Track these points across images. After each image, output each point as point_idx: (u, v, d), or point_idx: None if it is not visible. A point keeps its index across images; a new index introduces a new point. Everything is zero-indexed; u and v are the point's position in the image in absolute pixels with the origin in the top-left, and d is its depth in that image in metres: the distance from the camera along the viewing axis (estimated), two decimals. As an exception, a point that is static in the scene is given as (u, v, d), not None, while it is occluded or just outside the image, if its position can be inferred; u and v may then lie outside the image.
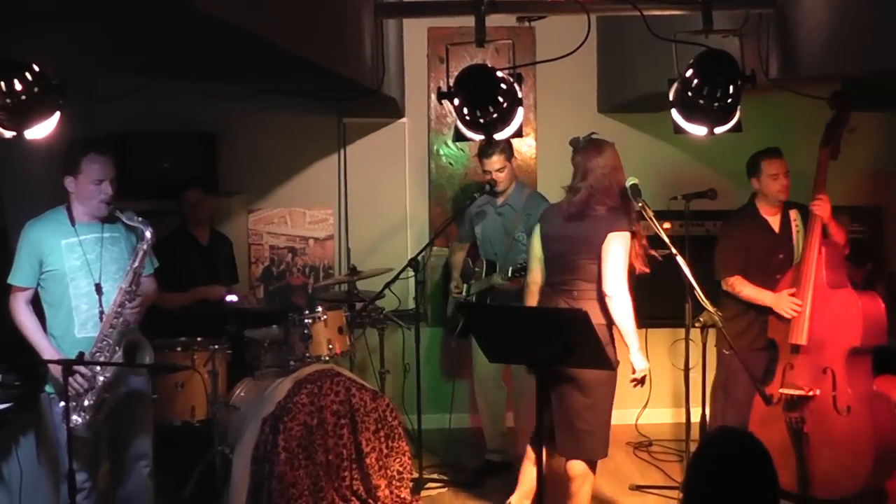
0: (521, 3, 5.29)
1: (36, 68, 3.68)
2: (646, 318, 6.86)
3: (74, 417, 4.33)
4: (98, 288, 4.47)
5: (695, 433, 5.58)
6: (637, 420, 6.82)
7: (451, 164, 7.25)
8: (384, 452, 5.43)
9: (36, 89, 3.70)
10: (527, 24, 5.83)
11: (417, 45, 7.11)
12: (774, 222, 5.62)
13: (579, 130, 7.07)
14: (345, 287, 6.40)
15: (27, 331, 4.45)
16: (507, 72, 4.55)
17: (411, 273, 6.02)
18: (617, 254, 4.61)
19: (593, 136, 4.90)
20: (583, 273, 4.69)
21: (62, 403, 4.21)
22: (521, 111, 4.56)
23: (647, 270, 4.74)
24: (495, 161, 5.99)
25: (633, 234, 4.68)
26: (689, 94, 4.43)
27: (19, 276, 4.47)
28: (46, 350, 4.41)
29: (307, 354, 5.59)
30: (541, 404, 4.55)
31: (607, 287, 4.60)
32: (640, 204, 4.73)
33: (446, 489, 5.98)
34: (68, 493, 4.07)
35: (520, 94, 4.52)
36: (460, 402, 7.06)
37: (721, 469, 2.72)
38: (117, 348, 4.39)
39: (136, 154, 6.60)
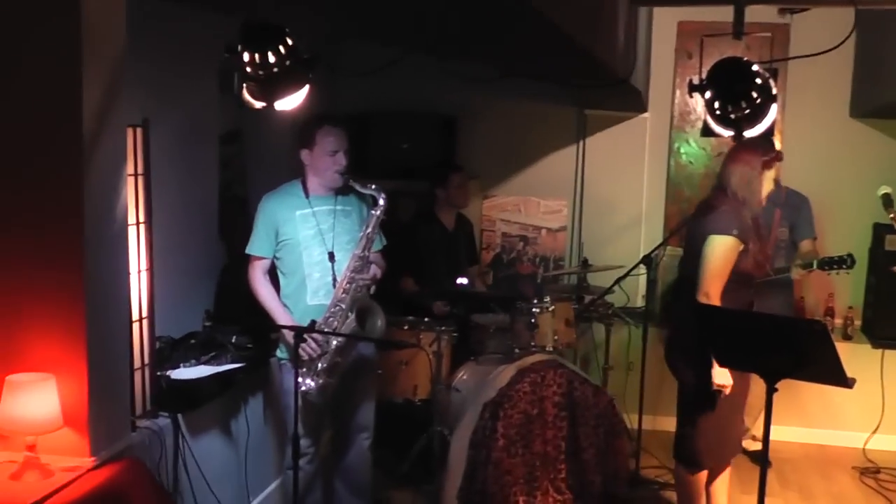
0: (786, -7, 5.07)
1: (289, 42, 3.78)
2: (882, 338, 6.56)
3: (308, 381, 4.46)
4: (331, 256, 4.57)
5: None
6: (865, 445, 6.48)
7: (690, 162, 7.05)
8: (602, 449, 5.33)
9: (288, 62, 3.77)
10: (788, 16, 5.58)
11: (666, 39, 6.91)
12: None
13: (828, 134, 6.78)
14: (575, 279, 6.34)
15: (263, 298, 4.59)
16: (762, 66, 4.36)
17: (643, 270, 5.92)
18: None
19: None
20: None
21: (294, 369, 4.33)
22: (774, 108, 4.34)
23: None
24: None
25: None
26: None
27: (257, 246, 4.62)
28: (281, 317, 4.54)
29: (532, 343, 5.56)
30: (768, 416, 4.36)
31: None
32: (891, 215, 4.46)
33: (663, 492, 5.83)
34: (292, 455, 4.18)
35: (774, 90, 4.32)
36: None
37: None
38: (350, 314, 4.47)
39: (376, 134, 6.74)
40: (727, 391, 4.47)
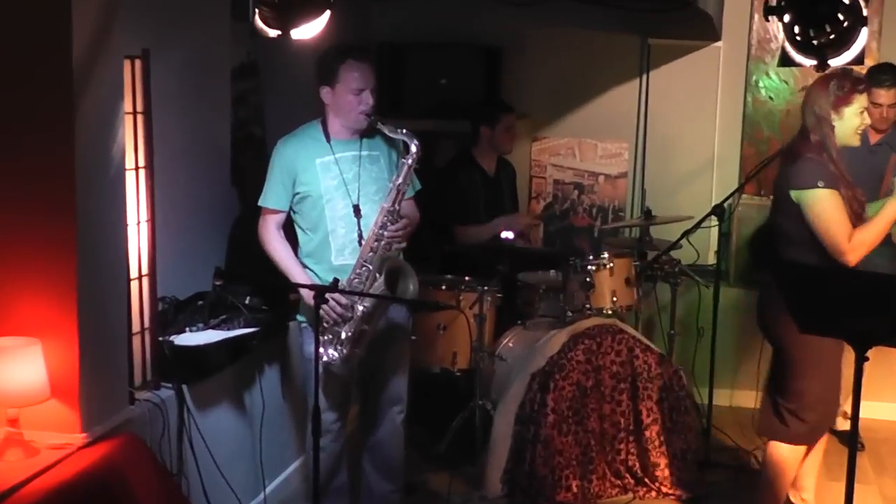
0: None
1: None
2: None
3: (330, 352, 4.42)
4: (356, 210, 4.50)
5: None
6: None
7: (770, 98, 6.92)
8: (667, 426, 5.30)
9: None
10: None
11: (742, -45, 6.81)
12: None
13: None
14: (636, 233, 6.30)
15: (278, 257, 4.54)
16: (851, -16, 4.25)
17: (714, 222, 5.86)
18: None
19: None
20: None
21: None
22: (864, 33, 4.26)
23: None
24: (892, 94, 5.77)
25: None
26: None
27: (271, 197, 4.56)
28: (299, 276, 4.49)
29: (587, 306, 5.52)
30: (857, 389, 4.30)
31: None
32: None
33: (735, 475, 5.76)
34: (312, 432, 4.14)
35: (864, 13, 4.23)
36: (756, 377, 6.80)
37: None
38: (378, 275, 4.41)
39: (411, 68, 6.67)
40: None
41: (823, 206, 4.41)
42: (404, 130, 4.47)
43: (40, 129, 3.31)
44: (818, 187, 4.40)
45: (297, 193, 4.53)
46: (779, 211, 4.60)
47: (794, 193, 4.45)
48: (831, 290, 4.19)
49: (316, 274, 4.53)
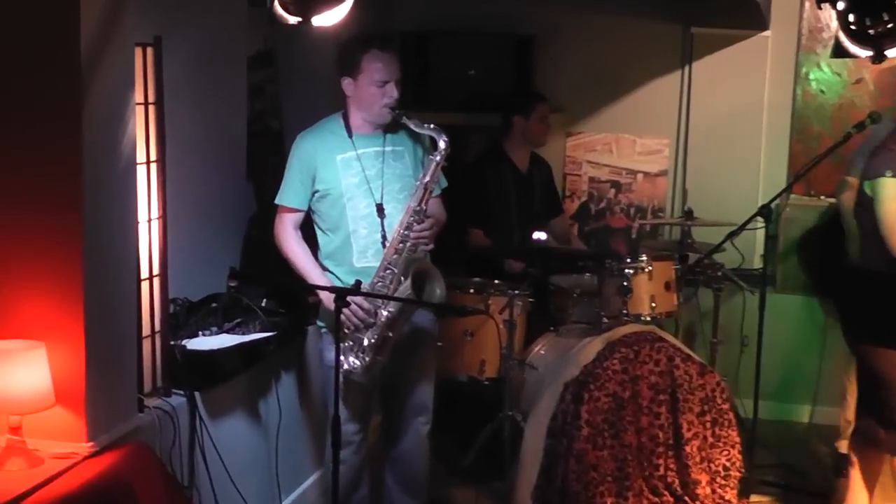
0: None
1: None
2: None
3: (351, 359, 4.44)
4: (380, 209, 4.51)
5: None
6: None
7: (822, 91, 6.91)
8: (709, 441, 5.28)
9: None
10: None
11: (793, -60, 6.80)
12: None
13: None
14: (677, 234, 6.29)
15: (296, 259, 4.56)
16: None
17: (761, 224, 5.82)
18: None
19: None
20: None
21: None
22: (926, 22, 4.25)
23: None
24: None
25: None
26: None
27: (289, 195, 4.57)
28: (317, 278, 4.50)
29: (624, 311, 5.52)
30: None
31: None
32: None
33: (783, 495, 5.75)
34: (332, 444, 4.14)
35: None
36: (807, 391, 6.82)
37: None
38: (403, 279, 4.42)
39: (436, 58, 6.69)
40: None
41: (887, 194, 4.42)
42: (432, 125, 4.48)
43: (46, 121, 3.32)
44: (886, 176, 4.41)
45: (317, 191, 4.54)
46: (861, 207, 4.67)
47: (866, 185, 4.51)
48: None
49: (336, 277, 4.55)
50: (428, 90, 6.54)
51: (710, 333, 6.31)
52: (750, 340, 6.04)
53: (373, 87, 4.48)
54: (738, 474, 5.37)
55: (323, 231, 4.61)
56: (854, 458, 5.00)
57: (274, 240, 4.61)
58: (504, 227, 6.18)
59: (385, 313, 4.43)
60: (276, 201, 4.60)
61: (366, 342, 4.44)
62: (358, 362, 4.45)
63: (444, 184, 4.73)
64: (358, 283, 4.27)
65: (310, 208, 4.59)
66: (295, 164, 4.57)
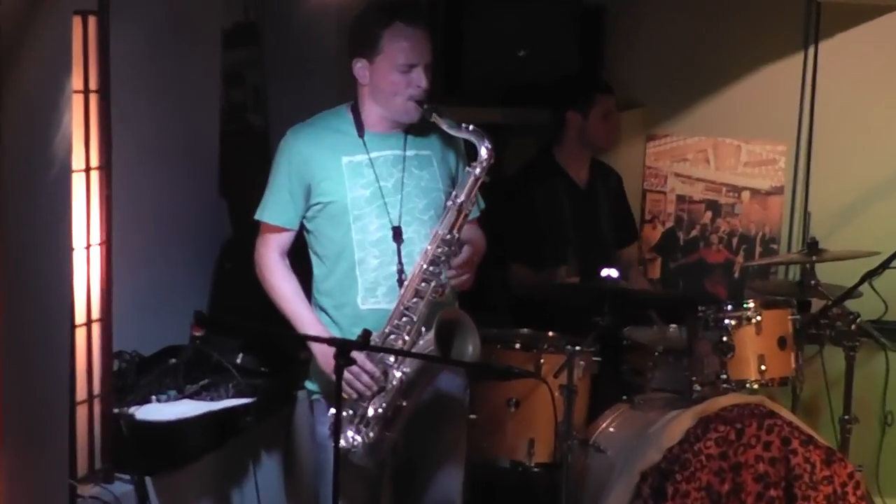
0: None
1: None
2: None
3: (351, 435, 4.42)
4: (396, 232, 4.50)
5: None
6: None
7: None
8: (837, 553, 5.28)
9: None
10: None
11: None
12: None
13: None
14: (796, 273, 6.27)
15: (282, 296, 4.56)
16: None
17: (909, 262, 5.82)
18: None
19: None
20: None
21: (332, 410, 4.27)
22: None
23: None
24: None
25: None
26: None
27: (273, 209, 4.57)
28: (310, 325, 4.50)
29: (723, 376, 5.53)
30: None
31: None
32: None
33: None
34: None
35: None
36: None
37: None
38: (424, 329, 4.40)
39: (474, 33, 6.69)
40: None
41: None
42: (471, 128, 4.46)
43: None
44: None
45: (314, 205, 4.53)
46: None
47: None
48: None
49: (335, 322, 4.54)
50: (461, 76, 6.53)
51: (840, 408, 6.25)
52: (895, 418, 6.02)
53: (395, 73, 4.47)
54: None
55: (320, 258, 4.61)
56: None
57: (255, 270, 4.61)
58: (557, 262, 6.18)
59: (399, 374, 4.41)
60: (258, 216, 4.59)
61: (371, 412, 4.42)
62: (359, 438, 4.42)
63: (482, 205, 4.73)
64: (366, 332, 4.24)
65: (303, 227, 4.58)
66: (283, 168, 4.56)
